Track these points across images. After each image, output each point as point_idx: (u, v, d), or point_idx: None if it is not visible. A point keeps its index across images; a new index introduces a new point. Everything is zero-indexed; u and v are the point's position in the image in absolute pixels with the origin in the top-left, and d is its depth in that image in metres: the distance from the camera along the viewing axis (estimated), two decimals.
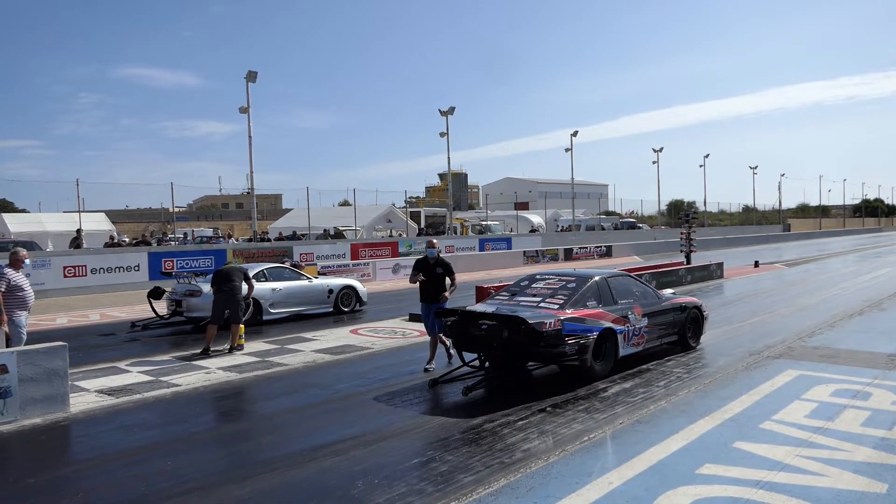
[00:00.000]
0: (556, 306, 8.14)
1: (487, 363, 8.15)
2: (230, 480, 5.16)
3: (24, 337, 7.96)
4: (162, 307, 13.62)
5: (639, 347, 8.89)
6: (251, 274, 13.68)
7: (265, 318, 13.40)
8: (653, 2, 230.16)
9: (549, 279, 9.12)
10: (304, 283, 14.40)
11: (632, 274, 10.94)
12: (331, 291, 14.80)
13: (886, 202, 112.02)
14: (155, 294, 13.51)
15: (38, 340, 8.00)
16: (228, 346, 10.43)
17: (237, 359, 9.82)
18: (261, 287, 13.46)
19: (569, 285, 8.69)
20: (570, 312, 8.01)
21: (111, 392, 7.92)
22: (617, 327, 8.39)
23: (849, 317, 12.58)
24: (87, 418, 6.97)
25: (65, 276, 19.91)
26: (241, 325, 10.59)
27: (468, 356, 8.35)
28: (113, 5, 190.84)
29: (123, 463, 5.73)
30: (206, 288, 12.93)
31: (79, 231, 24.60)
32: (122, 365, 9.49)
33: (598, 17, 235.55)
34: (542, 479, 4.89)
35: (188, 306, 12.93)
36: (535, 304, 8.31)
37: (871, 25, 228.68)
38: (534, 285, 9.04)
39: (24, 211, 38.81)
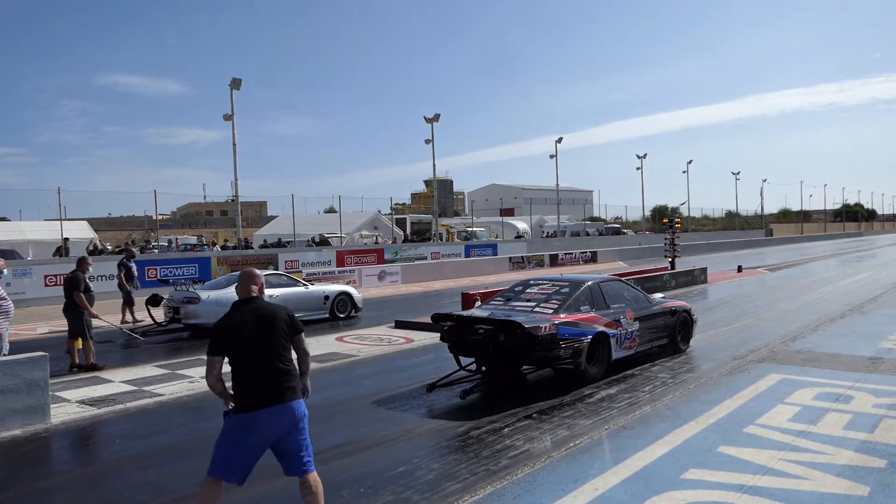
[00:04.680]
0: (551, 311, 8.21)
1: (483, 367, 8.18)
2: None
3: (6, 347, 7.84)
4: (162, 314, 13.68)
5: (631, 350, 8.97)
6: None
7: None
8: (635, 12, 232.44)
9: (542, 284, 9.20)
10: (301, 289, 14.44)
11: (623, 279, 11.03)
12: (327, 298, 14.82)
13: (866, 207, 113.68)
14: (153, 301, 13.53)
15: (19, 350, 7.88)
16: (69, 365, 9.71)
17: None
18: None
19: (562, 290, 8.76)
20: (564, 317, 8.08)
21: (93, 402, 7.82)
22: (610, 331, 8.47)
23: (830, 321, 12.71)
24: (68, 429, 6.87)
25: (46, 285, 19.66)
26: (85, 341, 9.74)
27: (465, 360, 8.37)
28: (96, 13, 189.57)
29: (105, 474, 5.66)
30: (204, 295, 12.96)
31: (66, 240, 24.37)
32: (104, 375, 9.38)
33: (583, 26, 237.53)
34: (528, 487, 4.89)
35: (186, 313, 12.99)
36: (529, 309, 8.37)
37: (848, 34, 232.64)
38: (528, 290, 9.11)
39: (4, 219, 38.32)
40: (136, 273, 15.69)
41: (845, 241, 65.64)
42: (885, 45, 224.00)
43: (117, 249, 30.15)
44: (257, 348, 3.99)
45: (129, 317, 14.87)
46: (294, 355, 4.20)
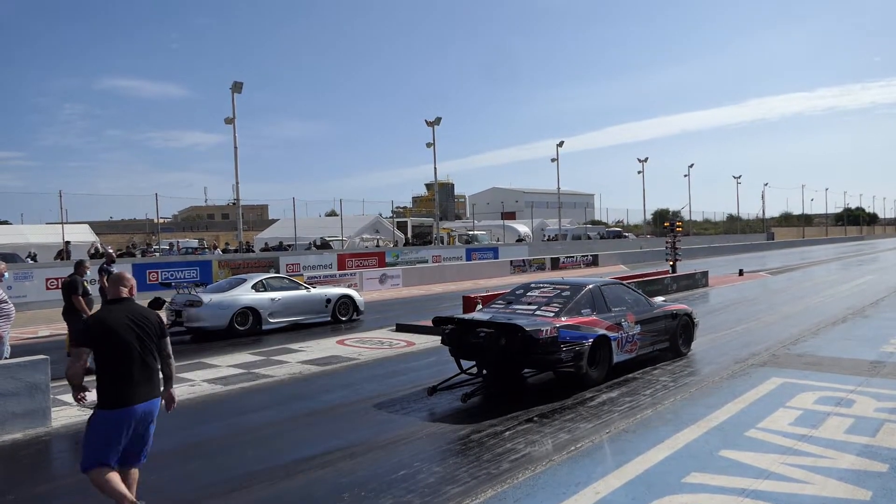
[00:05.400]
0: (552, 314, 8.21)
1: (485, 370, 8.17)
2: (216, 494, 5.11)
3: (7, 350, 7.85)
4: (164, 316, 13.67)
5: (632, 354, 8.97)
6: (251, 284, 13.72)
7: (265, 327, 13.57)
8: (635, 14, 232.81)
9: (544, 287, 9.19)
10: (303, 293, 14.47)
11: (624, 282, 11.02)
12: (328, 301, 14.83)
13: (868, 211, 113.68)
14: (155, 305, 13.52)
15: (20, 354, 7.89)
16: None
17: (222, 371, 9.74)
18: (260, 297, 13.66)
19: (563, 293, 8.76)
20: (565, 320, 8.08)
21: (93, 406, 7.80)
22: (611, 334, 8.47)
23: (832, 324, 12.69)
24: (69, 433, 6.86)
25: (47, 289, 19.68)
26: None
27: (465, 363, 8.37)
28: (98, 17, 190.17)
29: None
30: (207, 298, 12.97)
31: (67, 244, 24.41)
32: None
33: (583, 29, 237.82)
34: (530, 490, 4.88)
35: (188, 316, 13.02)
36: (531, 312, 8.37)
37: (848, 38, 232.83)
38: (529, 293, 9.10)
39: (6, 223, 38.30)
40: None
41: (847, 244, 65.61)
42: (885, 49, 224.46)
43: (118, 253, 30.18)
44: (126, 346, 4.24)
45: None
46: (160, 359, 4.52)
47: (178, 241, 40.74)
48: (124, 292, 4.46)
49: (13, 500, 5.12)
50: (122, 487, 4.30)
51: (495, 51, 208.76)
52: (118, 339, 4.22)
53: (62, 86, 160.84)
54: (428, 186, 74.05)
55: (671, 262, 23.15)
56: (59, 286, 20.06)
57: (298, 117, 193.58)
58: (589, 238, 48.93)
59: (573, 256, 35.70)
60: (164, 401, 4.59)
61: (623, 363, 8.84)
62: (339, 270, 26.43)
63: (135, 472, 4.53)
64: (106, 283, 14.82)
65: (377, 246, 35.69)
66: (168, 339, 4.54)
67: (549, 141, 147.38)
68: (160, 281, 20.31)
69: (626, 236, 53.89)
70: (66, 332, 9.99)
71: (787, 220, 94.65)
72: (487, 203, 78.06)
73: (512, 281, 24.03)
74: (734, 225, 72.35)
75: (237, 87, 27.49)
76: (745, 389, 7.72)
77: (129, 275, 4.61)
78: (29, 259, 25.70)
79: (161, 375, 4.54)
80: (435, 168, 37.62)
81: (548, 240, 48.73)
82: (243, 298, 13.36)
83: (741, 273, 25.78)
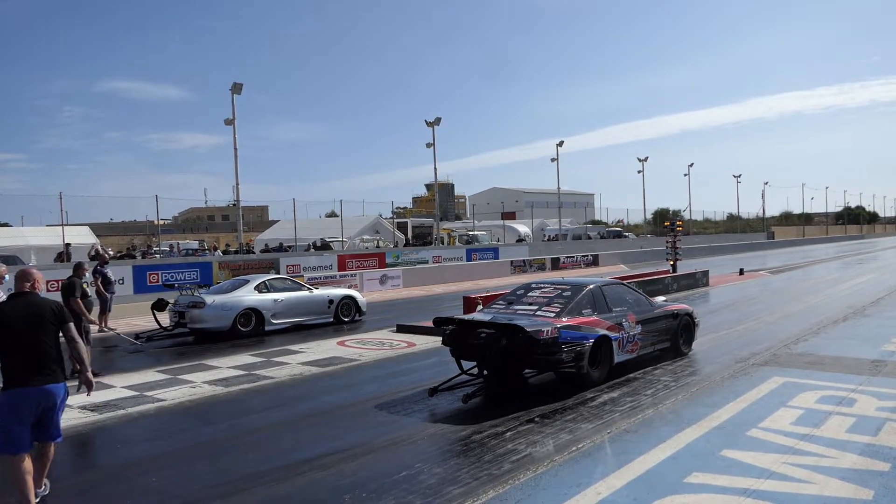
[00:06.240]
0: (553, 314, 8.21)
1: (485, 371, 8.18)
2: (216, 496, 5.10)
3: None
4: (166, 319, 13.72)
5: (633, 354, 8.97)
6: (254, 285, 13.72)
7: (267, 328, 13.56)
8: (635, 15, 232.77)
9: (544, 288, 9.19)
10: (305, 293, 14.47)
11: (624, 282, 11.02)
12: (331, 302, 14.84)
13: (868, 209, 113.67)
14: (158, 306, 13.58)
15: None
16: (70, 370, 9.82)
17: (223, 372, 9.73)
18: (263, 298, 13.67)
19: (564, 294, 8.76)
20: (566, 320, 8.08)
21: (94, 408, 7.81)
22: (612, 335, 8.46)
23: (833, 323, 12.68)
24: (70, 435, 6.83)
25: (48, 291, 19.67)
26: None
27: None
28: (97, 19, 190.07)
29: (107, 481, 5.65)
30: (210, 299, 12.98)
31: (67, 245, 24.41)
32: (105, 380, 9.36)
33: (582, 29, 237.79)
34: (531, 491, 4.88)
35: (191, 318, 13.02)
36: (531, 313, 8.37)
37: (847, 37, 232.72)
38: (530, 294, 9.10)
39: (6, 225, 38.29)
40: (112, 279, 15.35)
41: (847, 243, 65.60)
42: (885, 48, 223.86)
43: (118, 255, 30.18)
44: (21, 335, 4.63)
45: (104, 325, 14.40)
46: (70, 345, 4.90)
47: (178, 243, 40.78)
48: (26, 287, 4.84)
49: (14, 502, 5.11)
50: (28, 487, 4.62)
51: (495, 51, 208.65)
52: (11, 329, 4.61)
53: (62, 88, 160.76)
54: (428, 187, 74.03)
55: (671, 262, 23.14)
56: (59, 288, 20.11)
57: (298, 118, 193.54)
58: (589, 238, 48.90)
59: (573, 256, 35.69)
60: (84, 385, 5.01)
61: (624, 363, 8.84)
62: (340, 271, 26.40)
63: (50, 449, 4.90)
64: (100, 286, 14.80)
65: (377, 247, 35.64)
66: (71, 324, 4.89)
67: (549, 141, 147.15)
68: (163, 283, 20.31)
69: (626, 236, 53.85)
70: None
71: (787, 219, 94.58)
72: (487, 203, 78.10)
73: (512, 281, 24.03)
74: (734, 224, 72.34)
75: (237, 88, 27.48)
76: (747, 389, 7.72)
77: (34, 271, 4.98)
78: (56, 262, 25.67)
79: (74, 362, 5.03)
80: (435, 168, 37.64)
81: (548, 240, 48.72)
82: (246, 300, 13.37)
83: (742, 272, 25.76)
